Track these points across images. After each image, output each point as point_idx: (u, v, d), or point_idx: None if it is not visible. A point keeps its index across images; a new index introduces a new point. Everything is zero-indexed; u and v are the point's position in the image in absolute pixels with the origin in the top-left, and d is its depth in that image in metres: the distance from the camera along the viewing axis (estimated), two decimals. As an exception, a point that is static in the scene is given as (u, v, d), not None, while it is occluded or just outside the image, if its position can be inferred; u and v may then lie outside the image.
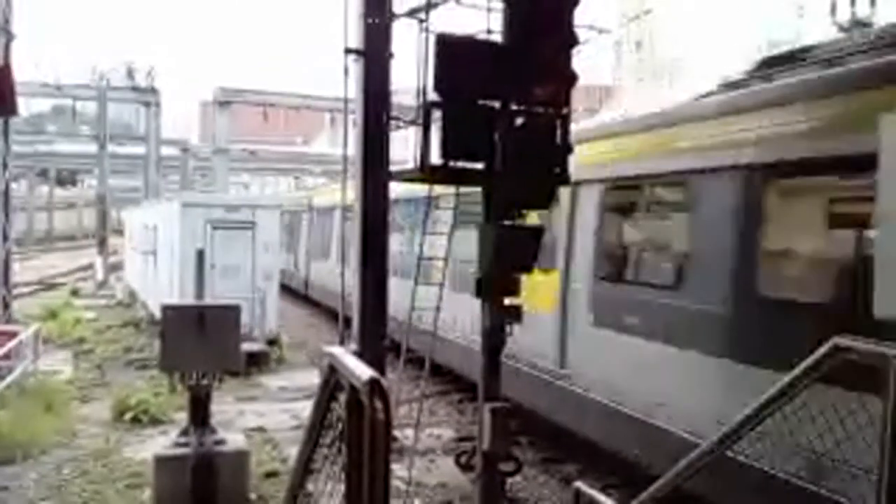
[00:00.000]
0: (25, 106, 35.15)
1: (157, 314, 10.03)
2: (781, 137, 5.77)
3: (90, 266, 31.19)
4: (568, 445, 9.00)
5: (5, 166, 12.60)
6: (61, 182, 64.99)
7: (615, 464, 7.88)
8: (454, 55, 5.65)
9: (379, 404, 1.96)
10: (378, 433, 1.96)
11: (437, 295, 7.57)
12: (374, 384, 2.01)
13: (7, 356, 10.57)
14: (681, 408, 6.48)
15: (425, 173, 5.83)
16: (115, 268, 29.75)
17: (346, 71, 8.46)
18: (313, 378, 12.61)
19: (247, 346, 12.44)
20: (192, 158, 43.45)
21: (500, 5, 5.84)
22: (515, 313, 6.01)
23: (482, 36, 5.97)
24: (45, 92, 31.59)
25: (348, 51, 8.20)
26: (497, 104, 5.71)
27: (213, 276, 13.55)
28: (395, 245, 10.85)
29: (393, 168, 8.25)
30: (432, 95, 5.74)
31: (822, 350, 3.58)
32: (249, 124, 51.26)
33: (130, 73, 31.84)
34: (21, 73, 8.98)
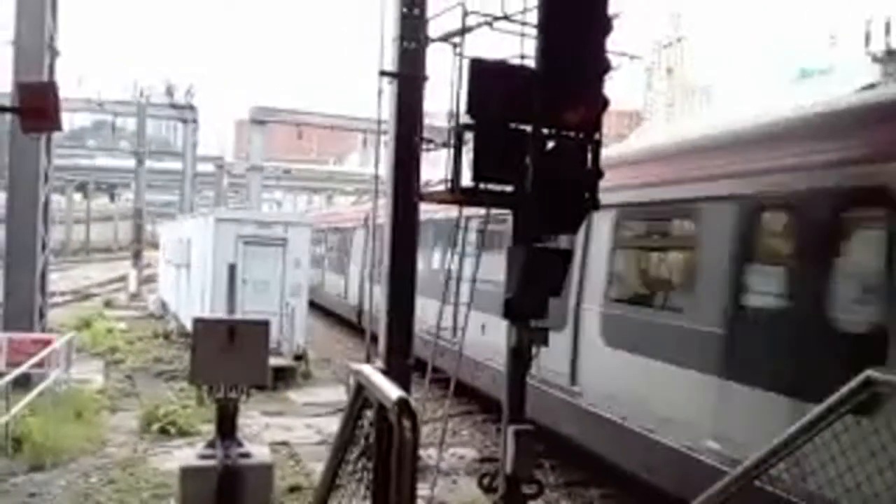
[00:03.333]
0: (68, 121, 36.06)
1: (188, 327, 10.18)
2: None
3: (124, 278, 31.72)
4: (591, 469, 8.91)
5: (46, 179, 12.92)
6: (103, 192, 66.27)
7: (639, 489, 7.78)
8: (487, 79, 5.72)
9: (407, 423, 1.99)
10: (405, 452, 1.99)
11: None
12: (402, 404, 2.04)
13: (41, 364, 10.78)
14: None
15: (456, 195, 5.88)
16: (149, 280, 30.22)
17: (380, 92, 8.58)
18: (339, 394, 12.67)
19: (274, 361, 12.54)
20: (227, 175, 44.15)
21: (533, 31, 5.91)
22: (542, 336, 6.01)
23: (515, 61, 6.04)
24: (87, 108, 32.43)
25: (383, 73, 8.32)
26: (528, 128, 5.76)
27: (243, 290, 13.73)
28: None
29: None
30: (464, 118, 5.81)
31: (854, 382, 3.54)
32: (283, 142, 52.06)
33: (169, 91, 32.56)
34: (64, 89, 9.25)
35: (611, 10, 5.84)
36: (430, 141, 7.46)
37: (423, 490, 7.67)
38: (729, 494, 3.87)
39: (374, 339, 9.66)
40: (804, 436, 3.60)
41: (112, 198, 69.42)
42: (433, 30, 7.91)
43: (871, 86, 7.78)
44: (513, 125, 5.79)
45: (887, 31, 20.08)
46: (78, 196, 61.42)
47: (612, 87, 6.02)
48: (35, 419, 9.55)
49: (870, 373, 3.50)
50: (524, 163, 5.71)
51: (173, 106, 32.50)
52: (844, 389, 3.52)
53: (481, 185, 5.76)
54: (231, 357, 6.72)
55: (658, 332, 7.37)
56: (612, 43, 5.88)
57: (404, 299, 8.88)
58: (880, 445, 3.57)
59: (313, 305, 23.82)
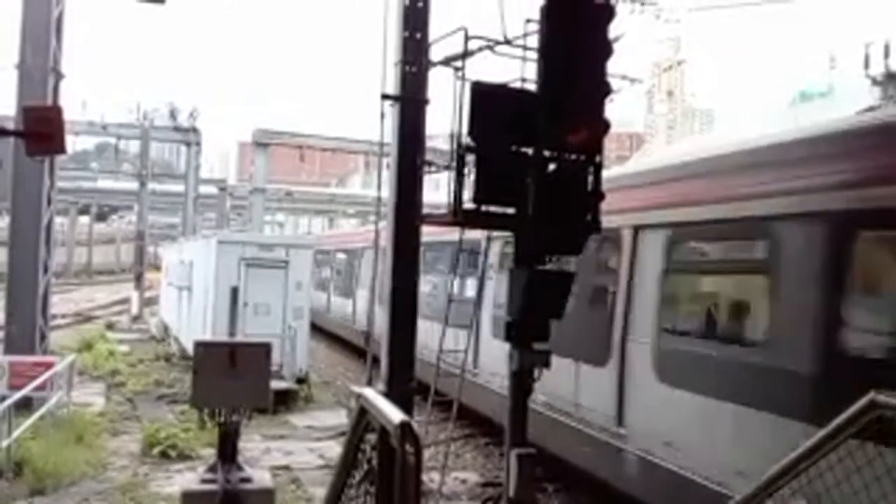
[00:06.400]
0: (71, 144, 36.30)
1: (190, 349, 10.15)
2: None
3: (126, 300, 31.69)
4: (594, 494, 8.82)
5: (49, 201, 12.97)
6: (101, 217, 66.56)
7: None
8: (488, 102, 5.77)
9: (410, 448, 1.98)
10: (408, 477, 1.98)
11: None
12: (405, 428, 2.04)
13: (42, 387, 10.74)
14: None
15: (458, 217, 5.90)
16: (151, 302, 30.20)
17: (382, 115, 8.63)
18: (340, 418, 12.60)
19: (275, 384, 12.51)
20: (230, 197, 44.28)
21: (534, 55, 5.97)
22: (544, 359, 5.99)
23: (516, 84, 6.09)
24: (91, 131, 32.60)
25: (385, 97, 8.37)
26: (530, 150, 5.79)
27: (245, 313, 13.71)
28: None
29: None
30: (466, 141, 5.85)
31: (858, 405, 3.52)
32: (285, 164, 52.26)
33: (173, 114, 32.77)
34: (68, 112, 9.31)
35: (611, 34, 5.91)
36: (431, 164, 7.50)
37: (425, 514, 7.61)
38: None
39: (376, 361, 9.63)
40: (808, 460, 3.57)
41: (106, 218, 69.44)
42: (435, 53, 7.98)
43: (872, 108, 7.84)
44: (514, 148, 5.83)
45: (886, 54, 20.24)
46: (85, 218, 61.60)
47: (613, 109, 6.08)
48: (36, 443, 9.50)
49: (874, 395, 3.48)
50: (526, 185, 5.74)
51: (177, 129, 32.69)
52: (849, 412, 3.50)
53: (483, 208, 5.78)
54: (232, 380, 6.68)
55: None
56: (613, 66, 5.95)
57: (406, 321, 8.85)
58: (885, 469, 3.54)
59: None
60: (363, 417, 2.72)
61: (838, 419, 3.53)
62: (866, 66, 20.45)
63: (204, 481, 6.90)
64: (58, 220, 17.96)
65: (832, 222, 5.52)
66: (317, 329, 23.67)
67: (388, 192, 8.61)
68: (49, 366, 11.26)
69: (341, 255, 24.38)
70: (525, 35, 6.23)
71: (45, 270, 12.86)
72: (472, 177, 5.79)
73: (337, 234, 26.84)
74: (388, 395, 7.15)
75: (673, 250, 7.34)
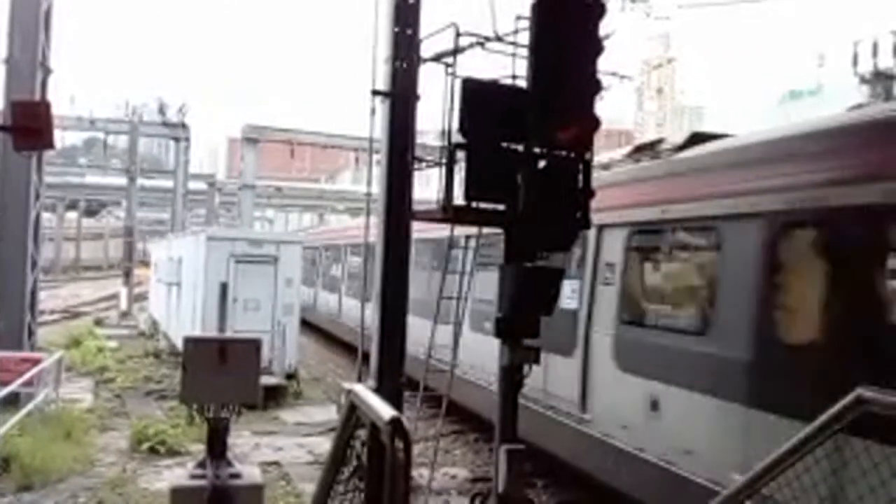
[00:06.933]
0: (59, 139, 36.02)
1: (179, 345, 10.11)
2: None
3: (115, 296, 31.52)
4: (584, 489, 8.86)
5: (37, 197, 12.88)
6: (90, 213, 66.13)
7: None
8: (479, 99, 5.77)
9: (400, 444, 1.99)
10: (398, 473, 1.99)
11: None
12: (396, 424, 2.04)
13: (29, 383, 10.68)
14: None
15: (448, 214, 5.90)
16: (140, 298, 30.05)
17: (372, 111, 8.61)
18: (330, 414, 12.58)
19: (265, 380, 12.47)
20: (219, 193, 44.11)
21: (525, 51, 5.97)
22: (534, 355, 6.01)
23: (507, 80, 6.09)
24: (79, 126, 32.36)
25: (375, 92, 8.35)
26: (520, 147, 5.80)
27: (234, 309, 13.67)
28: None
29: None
30: (457, 137, 5.84)
31: (844, 401, 3.55)
32: (275, 160, 52.10)
33: (162, 109, 32.58)
34: (56, 107, 9.25)
35: (602, 31, 5.92)
36: (422, 160, 7.49)
37: (414, 510, 7.62)
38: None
39: (366, 357, 9.62)
40: (794, 455, 3.60)
41: (95, 214, 69.01)
42: (426, 49, 7.96)
43: (860, 106, 7.86)
44: (505, 144, 5.83)
45: (874, 52, 20.38)
46: (73, 214, 61.24)
47: (603, 106, 6.09)
48: (23, 439, 9.45)
49: (861, 391, 3.51)
50: (516, 182, 5.75)
51: (165, 124, 32.51)
52: (835, 408, 3.53)
53: (473, 204, 5.78)
54: (222, 376, 6.66)
55: None
56: (603, 63, 5.95)
57: (396, 318, 8.85)
58: (872, 464, 3.58)
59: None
60: (353, 413, 2.72)
61: (824, 415, 3.56)
62: (855, 63, 20.59)
63: (193, 477, 6.89)
64: (46, 215, 17.86)
65: None
66: (338, 342, 22.80)
67: (378, 189, 8.61)
68: (37, 362, 11.21)
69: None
70: (516, 31, 6.23)
71: (33, 266, 12.78)
72: (463, 173, 5.80)
73: (361, 226, 24.23)
74: (378, 391, 7.15)
75: None
